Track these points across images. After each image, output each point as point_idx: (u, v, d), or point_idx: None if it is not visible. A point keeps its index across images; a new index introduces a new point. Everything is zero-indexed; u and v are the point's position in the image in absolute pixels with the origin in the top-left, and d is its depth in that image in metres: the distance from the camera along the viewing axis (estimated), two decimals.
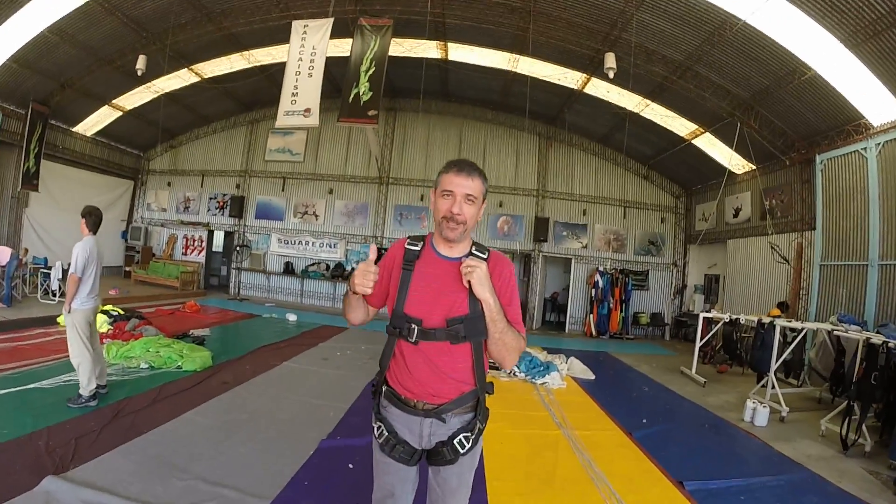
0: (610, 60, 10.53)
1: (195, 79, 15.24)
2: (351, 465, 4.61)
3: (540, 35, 11.27)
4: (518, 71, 13.62)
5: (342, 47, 12.16)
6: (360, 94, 10.87)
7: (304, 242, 17.45)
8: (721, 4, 8.99)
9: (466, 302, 2.05)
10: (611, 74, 10.72)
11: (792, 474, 5.46)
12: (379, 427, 2.21)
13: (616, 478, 4.85)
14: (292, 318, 13.09)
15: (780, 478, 5.30)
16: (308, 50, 10.90)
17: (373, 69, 10.87)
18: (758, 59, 9.97)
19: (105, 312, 9.29)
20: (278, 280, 17.53)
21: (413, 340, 2.06)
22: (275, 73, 12.08)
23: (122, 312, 9.72)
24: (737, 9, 8.95)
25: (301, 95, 10.92)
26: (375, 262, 2.12)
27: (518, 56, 12.88)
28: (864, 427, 6.28)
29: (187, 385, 6.49)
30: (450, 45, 13.16)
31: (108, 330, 8.56)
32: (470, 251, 2.17)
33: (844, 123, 10.15)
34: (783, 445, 6.46)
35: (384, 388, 2.24)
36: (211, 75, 15.19)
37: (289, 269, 17.24)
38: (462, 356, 2.11)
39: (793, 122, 11.29)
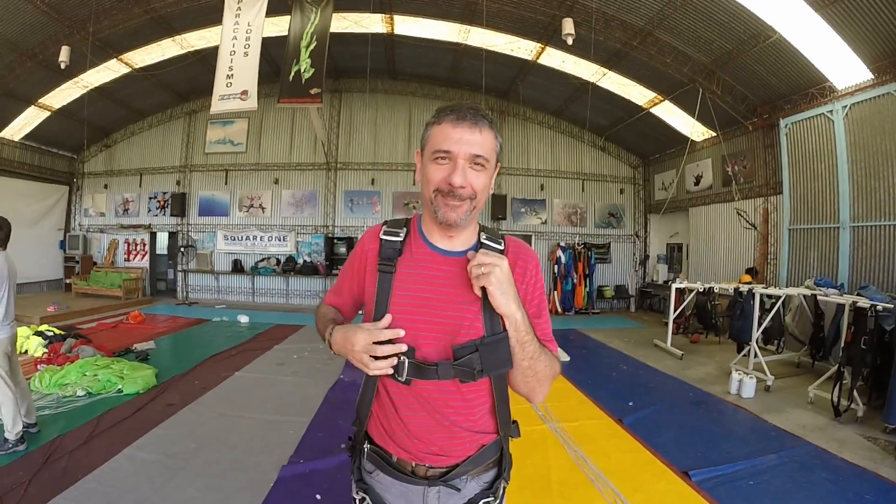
0: (568, 26, 10.06)
1: (125, 69, 13.96)
2: (318, 496, 4.01)
3: (493, 2, 10.70)
4: (469, 43, 13.02)
5: (281, 26, 11.26)
6: (301, 71, 10.14)
7: (251, 237, 16.44)
8: None
9: (480, 319, 1.43)
10: (569, 41, 10.23)
11: (793, 449, 5.34)
12: (363, 500, 1.58)
13: (616, 475, 4.54)
14: (244, 319, 12.30)
15: (783, 454, 5.17)
16: (243, 27, 10.05)
17: (314, 44, 10.13)
18: (721, 22, 9.66)
19: (40, 334, 8.47)
20: (228, 280, 16.54)
21: (403, 379, 1.42)
22: (210, 58, 11.10)
23: (58, 332, 8.79)
24: None
25: (237, 77, 10.11)
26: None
27: (469, 27, 12.26)
28: (855, 392, 6.24)
29: (128, 412, 5.72)
30: (396, 17, 12.38)
31: (43, 354, 7.73)
32: (479, 241, 1.54)
33: (808, 87, 10.01)
34: (776, 417, 6.38)
35: (366, 447, 1.60)
36: (142, 65, 13.94)
37: (238, 267, 16.26)
38: (478, 397, 1.51)
39: (755, 86, 11.12)
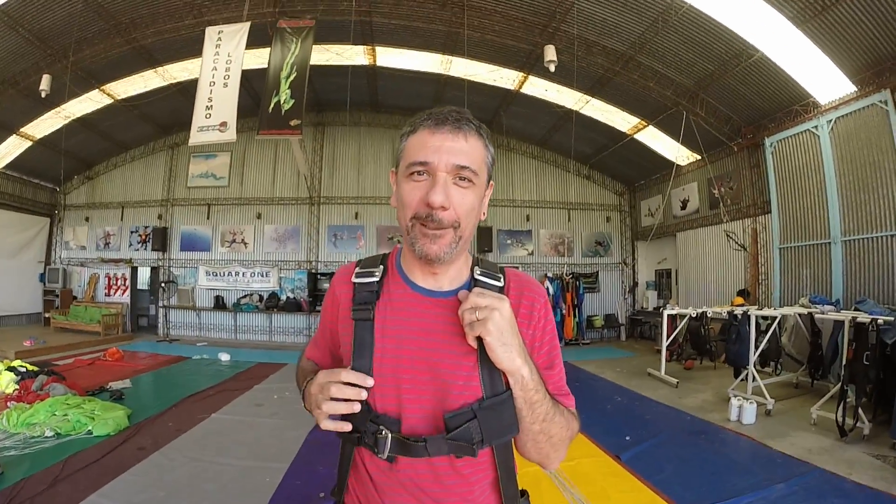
0: (550, 53, 10.10)
1: (108, 100, 13.84)
2: None
3: (474, 31, 10.70)
4: (451, 74, 13.04)
5: (262, 58, 11.16)
6: (281, 102, 9.95)
7: (233, 273, 16.06)
8: None
9: (477, 375, 1.16)
10: (552, 68, 10.27)
11: (802, 476, 5.10)
12: None
13: None
14: (225, 357, 11.89)
15: (792, 483, 4.92)
16: (223, 58, 9.92)
17: (294, 74, 9.98)
18: (703, 43, 9.74)
19: (12, 369, 8.08)
20: (209, 316, 16.07)
21: (385, 456, 1.14)
22: (193, 89, 10.94)
23: (31, 368, 8.39)
24: None
25: (216, 108, 9.91)
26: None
27: (451, 57, 12.29)
28: (860, 410, 6.10)
29: (97, 455, 5.34)
30: (378, 48, 12.41)
31: (14, 391, 7.35)
32: (472, 277, 1.27)
33: (792, 104, 10.07)
34: (780, 442, 6.16)
35: None
36: (124, 95, 13.83)
37: (220, 304, 15.85)
38: (477, 472, 1.21)
39: (739, 106, 11.19)
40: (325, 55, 12.23)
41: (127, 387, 8.44)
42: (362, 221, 16.12)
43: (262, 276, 15.99)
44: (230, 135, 9.90)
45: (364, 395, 1.11)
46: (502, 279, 1.28)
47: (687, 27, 9.36)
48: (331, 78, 13.36)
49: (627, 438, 6.32)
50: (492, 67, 12.57)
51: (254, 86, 12.21)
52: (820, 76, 9.07)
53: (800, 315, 8.48)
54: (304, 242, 16.08)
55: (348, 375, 1.12)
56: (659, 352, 11.14)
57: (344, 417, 1.14)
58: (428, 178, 1.14)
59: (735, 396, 7.44)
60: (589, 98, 13.09)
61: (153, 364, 11.08)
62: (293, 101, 9.98)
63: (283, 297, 15.74)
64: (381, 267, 1.30)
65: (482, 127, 1.20)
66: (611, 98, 12.94)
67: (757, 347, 8.03)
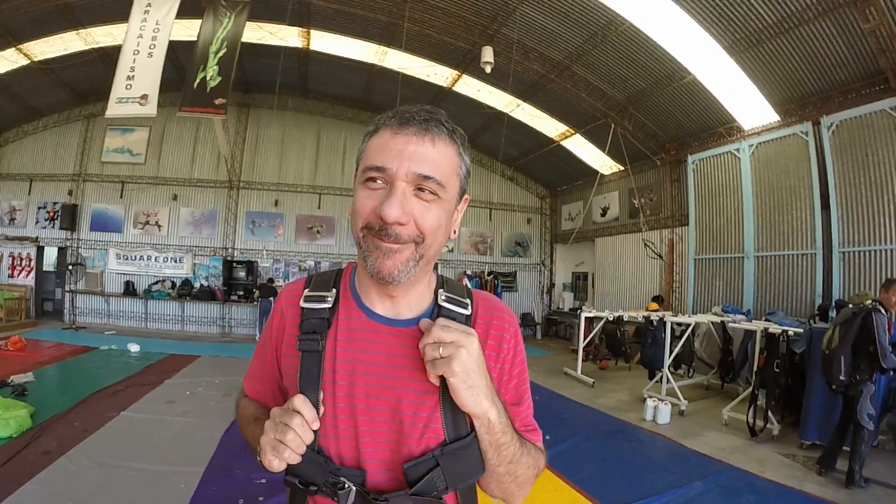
0: (487, 54, 10.14)
1: (24, 61, 12.49)
2: None
3: (414, 24, 10.60)
4: (385, 65, 12.90)
5: (192, 29, 10.48)
6: (208, 79, 9.40)
7: (145, 257, 15.01)
8: (610, 4, 8.84)
9: (440, 417, 1.03)
10: (488, 69, 10.34)
11: (717, 474, 5.39)
12: None
13: None
14: (134, 348, 11.07)
15: (708, 480, 5.20)
16: (151, 25, 9.22)
17: (224, 51, 9.45)
18: (638, 61, 10.09)
19: None
20: (119, 303, 14.92)
21: None
22: (115, 56, 10.02)
23: None
24: (626, 9, 8.86)
25: (138, 79, 9.21)
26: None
27: (387, 49, 12.14)
28: (769, 413, 6.55)
29: None
30: (313, 31, 12.00)
31: None
32: (435, 303, 1.11)
33: (716, 126, 10.69)
34: (694, 442, 6.49)
35: None
36: (42, 57, 12.54)
37: (130, 290, 14.75)
38: None
39: (665, 123, 11.73)
40: (258, 33, 11.76)
41: (30, 380, 7.67)
42: (282, 209, 15.66)
43: (176, 261, 15.11)
44: (150, 109, 9.29)
45: (316, 424, 0.98)
46: (469, 306, 1.13)
47: (625, 44, 9.67)
48: (261, 58, 12.90)
49: (547, 437, 6.34)
50: (427, 63, 12.53)
51: (180, 58, 11.57)
52: (746, 103, 9.66)
53: (713, 323, 8.98)
54: (220, 228, 15.36)
55: (302, 404, 0.97)
56: (574, 351, 11.50)
57: (293, 471, 1.00)
58: (385, 186, 0.98)
59: (650, 397, 7.79)
60: (520, 102, 13.30)
61: (58, 355, 10.18)
62: (220, 78, 9.50)
63: (197, 285, 14.99)
64: (334, 290, 1.13)
65: (456, 131, 1.04)
66: (542, 104, 13.21)
67: (671, 351, 8.39)
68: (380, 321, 1.08)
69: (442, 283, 1.15)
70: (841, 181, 8.15)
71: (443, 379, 0.97)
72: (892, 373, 4.95)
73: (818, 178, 8.58)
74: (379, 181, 0.97)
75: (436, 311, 1.09)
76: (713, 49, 8.77)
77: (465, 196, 1.10)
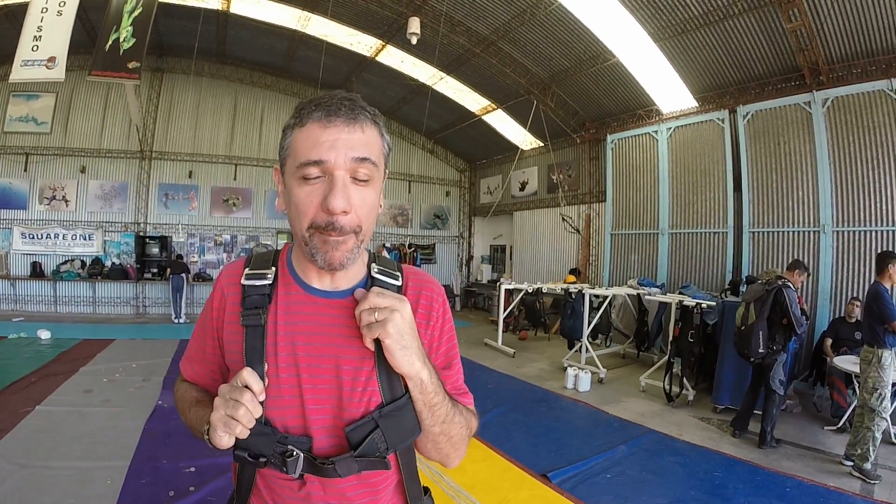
0: (414, 25, 9.97)
1: None
2: None
3: None
4: (308, 32, 12.47)
5: None
6: (121, 40, 8.66)
7: (53, 236, 13.76)
8: None
9: (376, 381, 1.09)
10: (414, 40, 10.19)
11: (639, 438, 5.75)
12: None
13: (476, 488, 4.40)
14: (45, 335, 10.24)
15: (631, 444, 5.54)
16: None
17: (139, 10, 8.67)
18: (564, 41, 10.24)
19: None
20: (26, 286, 13.60)
21: (297, 475, 1.06)
22: (21, 16, 9.19)
23: None
24: None
25: (46, 39, 8.35)
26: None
27: (311, 14, 11.68)
28: (684, 380, 7.05)
29: None
30: None
31: None
32: (368, 274, 1.17)
33: (636, 108, 11.09)
34: (615, 408, 6.88)
35: None
36: None
37: (37, 271, 13.54)
38: (384, 480, 1.17)
39: (586, 103, 12.03)
40: None
41: None
42: (197, 181, 14.87)
43: (86, 239, 13.99)
44: (58, 72, 8.50)
45: (262, 396, 1.01)
46: (400, 277, 1.20)
47: (552, 23, 9.78)
48: (178, 20, 12.06)
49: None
50: (352, 31, 12.21)
51: (91, 18, 10.60)
52: (666, 88, 10.07)
53: (629, 295, 9.46)
54: (132, 201, 14.34)
55: (250, 376, 0.99)
56: (494, 322, 11.81)
57: (241, 444, 1.02)
58: (323, 178, 1.01)
59: (570, 366, 8.16)
60: (444, 75, 13.26)
61: None
62: (134, 40, 8.78)
63: (108, 263, 14.01)
64: (273, 268, 1.18)
65: (377, 114, 1.10)
66: (465, 78, 13.21)
67: (590, 322, 8.83)
68: (317, 294, 1.14)
69: (374, 258, 1.21)
70: (753, 166, 8.70)
71: (378, 344, 1.04)
72: (802, 337, 5.47)
73: (732, 162, 9.11)
74: (316, 175, 1.00)
75: (369, 283, 1.15)
76: (638, 34, 9.03)
77: (387, 172, 1.16)
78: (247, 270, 1.17)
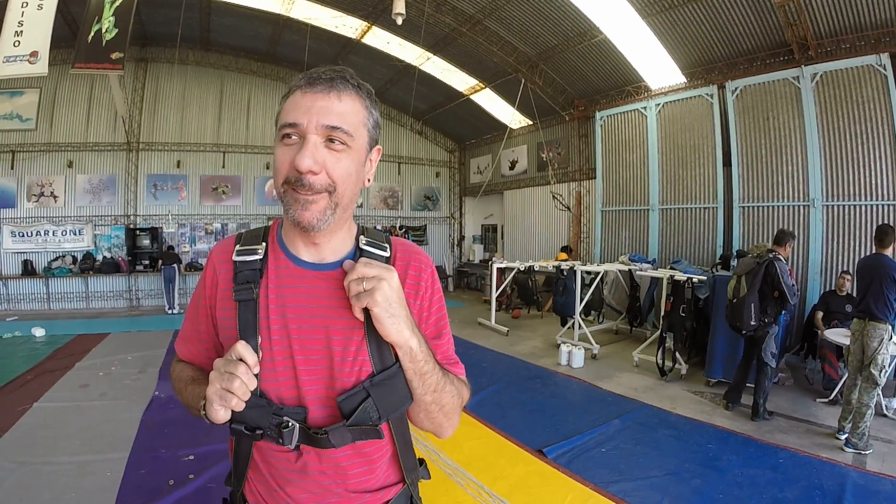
0: (399, 6, 9.75)
1: None
2: None
3: None
4: (291, 15, 12.27)
5: None
6: (103, 31, 8.48)
7: (43, 233, 13.61)
8: None
9: (366, 350, 1.10)
10: (399, 21, 9.99)
11: (633, 412, 5.83)
12: None
13: (473, 465, 4.47)
14: (40, 332, 10.22)
15: (625, 418, 5.62)
16: None
17: (120, 0, 8.84)
18: (551, 18, 10.15)
19: None
20: (18, 285, 13.48)
21: (293, 446, 1.08)
22: (0, 11, 9.10)
23: None
24: None
25: (27, 34, 8.18)
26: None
27: None
28: (677, 354, 7.12)
29: None
30: None
31: None
32: (356, 247, 1.20)
33: (624, 84, 11.05)
34: (608, 383, 6.97)
35: None
36: None
37: (29, 269, 13.43)
38: (379, 450, 1.20)
39: (575, 80, 11.98)
40: None
41: None
42: (185, 170, 14.75)
43: (76, 233, 13.86)
44: (41, 67, 8.34)
45: (257, 368, 1.03)
46: (388, 249, 1.23)
47: (539, 0, 9.71)
48: (160, 8, 11.80)
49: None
50: (336, 13, 12.03)
51: (71, 11, 10.37)
52: (655, 64, 10.06)
53: (620, 271, 9.50)
54: (121, 194, 14.21)
55: (244, 349, 1.02)
56: (487, 302, 11.86)
57: (238, 417, 1.04)
58: (298, 140, 1.05)
59: (564, 343, 8.25)
60: (431, 55, 13.14)
61: None
62: (117, 30, 8.60)
63: (100, 257, 13.93)
64: (264, 244, 1.20)
65: (363, 86, 1.12)
66: (452, 58, 13.11)
67: (582, 299, 8.88)
68: (306, 267, 1.16)
69: (362, 231, 1.24)
70: (742, 141, 8.71)
71: (367, 314, 1.06)
72: (793, 309, 5.50)
73: (721, 137, 9.14)
74: (293, 136, 1.05)
75: (358, 254, 1.18)
76: (625, 10, 8.97)
77: (377, 147, 1.19)
78: (237, 247, 1.19)
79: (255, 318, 1.11)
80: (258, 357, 1.04)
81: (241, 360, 1.00)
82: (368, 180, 1.18)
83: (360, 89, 1.11)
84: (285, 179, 1.06)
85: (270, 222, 1.23)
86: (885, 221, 6.91)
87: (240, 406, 0.99)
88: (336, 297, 1.11)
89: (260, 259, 1.17)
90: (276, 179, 1.09)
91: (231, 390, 0.97)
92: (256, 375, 1.02)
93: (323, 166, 1.04)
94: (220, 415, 0.99)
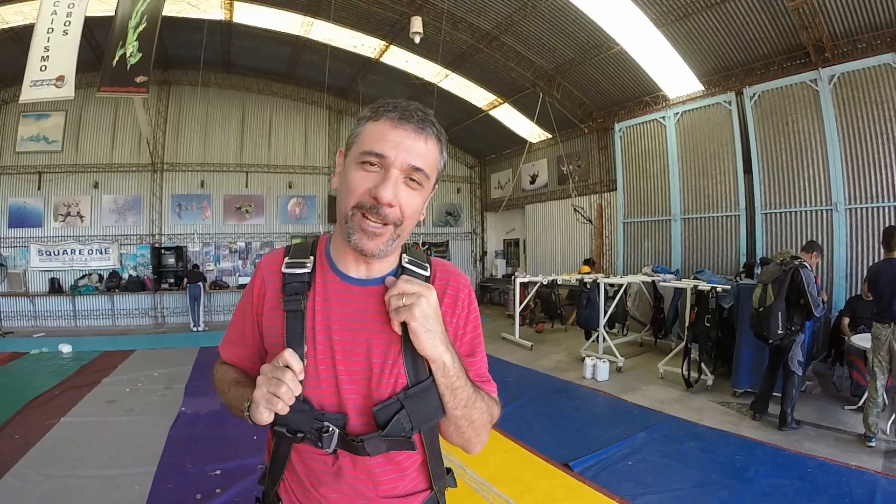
0: (416, 24, 9.97)
1: None
2: None
3: None
4: (311, 37, 12.53)
5: (108, 3, 9.61)
6: (127, 55, 8.68)
7: (69, 251, 13.95)
8: None
9: (402, 363, 1.16)
10: (417, 39, 10.18)
11: (659, 424, 5.73)
12: None
13: (499, 479, 4.42)
14: (66, 349, 10.34)
15: (651, 431, 5.52)
16: (65, 0, 8.77)
17: (143, 25, 8.69)
18: (567, 32, 10.21)
19: None
20: (45, 302, 13.82)
21: (331, 450, 1.13)
22: (27, 38, 9.14)
23: None
24: None
25: (53, 59, 8.45)
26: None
27: (313, 19, 11.74)
28: (703, 365, 7.00)
29: None
30: (236, 3, 11.41)
31: None
32: (400, 265, 1.25)
33: (642, 95, 11.04)
34: (633, 395, 6.87)
35: None
36: None
37: (56, 287, 13.74)
38: (409, 458, 1.24)
39: (592, 92, 12.00)
40: (179, 6, 11.01)
41: None
42: (209, 190, 15.04)
43: (102, 252, 14.18)
44: (68, 90, 8.58)
45: (302, 375, 1.08)
46: (429, 268, 1.28)
47: (554, 14, 9.75)
48: (182, 32, 12.13)
49: None
50: (354, 34, 12.23)
51: (96, 36, 10.69)
52: (672, 73, 10.04)
53: (644, 283, 9.42)
54: (146, 214, 14.52)
55: (291, 356, 1.07)
56: (511, 317, 11.79)
57: (281, 420, 1.09)
58: (380, 171, 1.10)
59: (588, 356, 8.14)
60: (449, 72, 13.25)
61: None
62: (141, 54, 8.83)
63: (125, 276, 14.18)
64: (312, 258, 1.25)
65: (442, 133, 1.19)
66: (471, 74, 13.21)
67: (606, 311, 8.78)
68: (351, 282, 1.22)
69: (406, 250, 1.29)
70: (762, 147, 8.61)
71: (405, 328, 1.11)
72: (820, 318, 5.42)
73: (741, 144, 9.04)
74: (375, 166, 1.09)
75: (399, 271, 1.24)
76: (640, 20, 8.98)
77: (435, 186, 1.23)
78: (287, 259, 1.25)
79: (302, 327, 1.17)
80: (303, 365, 1.09)
81: (287, 366, 1.05)
82: (422, 215, 1.23)
83: (441, 135, 1.17)
84: (358, 203, 1.10)
85: (322, 234, 1.30)
86: None
87: (285, 410, 1.04)
88: (378, 312, 1.17)
89: (308, 272, 1.22)
90: (347, 200, 1.12)
91: (278, 395, 1.02)
92: (301, 382, 1.07)
93: (399, 201, 1.10)
94: (265, 417, 1.05)
